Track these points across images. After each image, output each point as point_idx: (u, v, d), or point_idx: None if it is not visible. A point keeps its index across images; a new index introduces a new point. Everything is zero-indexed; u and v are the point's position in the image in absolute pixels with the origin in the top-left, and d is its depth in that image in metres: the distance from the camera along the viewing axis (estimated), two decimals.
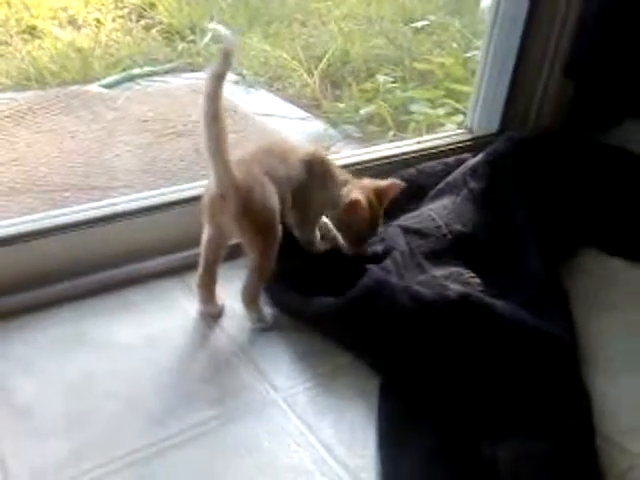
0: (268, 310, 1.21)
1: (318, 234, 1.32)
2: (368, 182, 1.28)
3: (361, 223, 1.24)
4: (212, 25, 1.09)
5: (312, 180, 1.24)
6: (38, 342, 1.12)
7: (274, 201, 1.13)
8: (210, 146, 1.05)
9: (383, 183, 1.28)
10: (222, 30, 1.05)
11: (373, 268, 1.19)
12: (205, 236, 1.16)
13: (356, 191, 1.23)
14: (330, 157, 1.34)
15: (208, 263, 1.18)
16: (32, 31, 2.65)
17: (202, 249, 1.17)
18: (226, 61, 1.02)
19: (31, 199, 1.61)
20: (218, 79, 1.02)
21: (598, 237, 1.48)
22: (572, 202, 1.49)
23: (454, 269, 1.25)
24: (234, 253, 1.33)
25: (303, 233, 1.30)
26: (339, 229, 1.30)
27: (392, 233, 1.30)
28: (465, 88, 2.12)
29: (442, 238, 1.30)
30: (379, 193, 1.26)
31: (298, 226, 1.29)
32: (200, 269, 1.18)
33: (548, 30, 1.67)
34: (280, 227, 1.15)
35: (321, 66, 2.55)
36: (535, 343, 1.09)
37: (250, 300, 1.17)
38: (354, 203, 1.21)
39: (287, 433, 1.01)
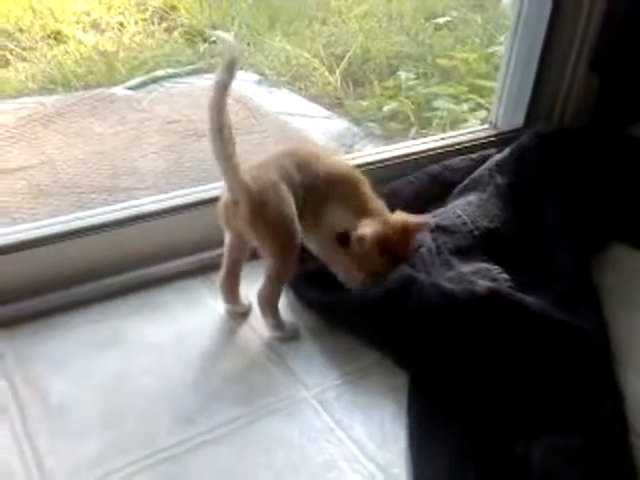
0: (290, 319, 1.19)
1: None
2: (397, 216, 1.19)
3: (369, 260, 1.14)
4: (217, 32, 1.06)
5: (332, 194, 1.17)
6: (70, 342, 1.14)
7: (290, 206, 1.11)
8: (218, 155, 1.05)
9: (412, 219, 1.19)
10: (226, 37, 1.03)
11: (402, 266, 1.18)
12: (226, 239, 1.17)
13: (373, 225, 1.13)
14: (361, 173, 1.24)
15: (230, 265, 1.18)
16: (57, 36, 2.68)
17: (225, 251, 1.18)
18: (230, 70, 1.01)
19: (59, 201, 1.64)
20: (222, 89, 1.01)
21: (627, 232, 1.46)
22: (600, 196, 1.47)
23: (482, 265, 1.23)
24: None
25: (320, 249, 1.22)
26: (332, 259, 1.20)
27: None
28: (488, 83, 2.11)
29: (469, 235, 1.29)
30: (405, 229, 1.17)
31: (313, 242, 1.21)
32: (223, 270, 1.19)
33: (574, 24, 1.65)
34: (298, 233, 1.12)
35: (343, 64, 2.55)
36: (566, 339, 1.07)
37: (266, 306, 1.15)
38: (362, 238, 1.12)
39: (317, 430, 1.01)
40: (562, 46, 1.67)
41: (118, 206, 1.33)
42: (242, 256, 1.18)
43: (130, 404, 1.03)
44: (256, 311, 1.21)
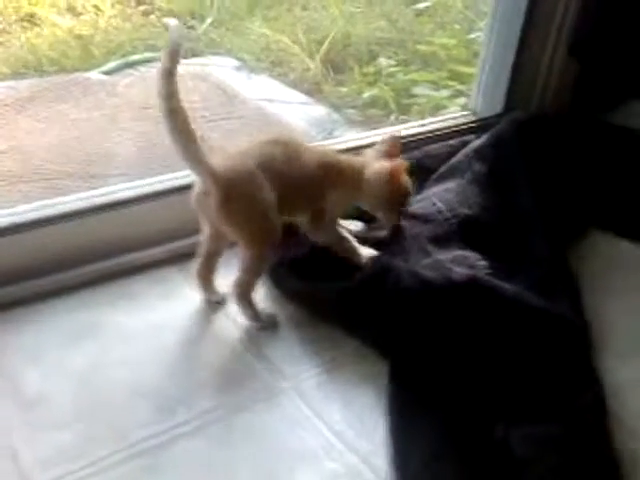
0: (267, 309, 1.17)
1: (350, 238, 1.23)
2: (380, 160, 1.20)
3: (403, 189, 1.19)
4: (165, 20, 1.03)
5: (326, 180, 1.16)
6: (43, 332, 1.11)
7: (265, 196, 1.07)
8: (176, 145, 1.02)
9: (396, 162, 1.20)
10: (171, 23, 0.99)
11: (378, 253, 1.17)
12: (203, 229, 1.15)
13: (382, 164, 1.17)
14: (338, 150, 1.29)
15: (206, 254, 1.16)
16: (31, 19, 2.61)
17: (202, 240, 1.16)
18: (173, 57, 0.98)
19: (30, 187, 1.60)
20: (168, 76, 0.99)
21: (606, 219, 1.46)
22: (579, 183, 1.47)
23: (459, 252, 1.23)
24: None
25: (319, 237, 1.21)
26: (383, 209, 1.22)
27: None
28: (468, 70, 2.09)
29: (445, 223, 1.28)
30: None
31: (310, 231, 1.20)
32: (199, 259, 1.17)
33: (552, 9, 1.64)
34: (276, 224, 1.10)
35: (322, 50, 2.52)
36: (544, 325, 1.08)
37: (241, 296, 1.13)
38: (395, 170, 1.14)
39: (296, 420, 1.00)
40: (540, 31, 1.66)
41: (91, 193, 1.31)
42: (219, 246, 1.16)
43: (106, 395, 1.02)
44: (233, 302, 1.20)
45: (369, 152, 1.25)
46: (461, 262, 1.22)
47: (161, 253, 1.30)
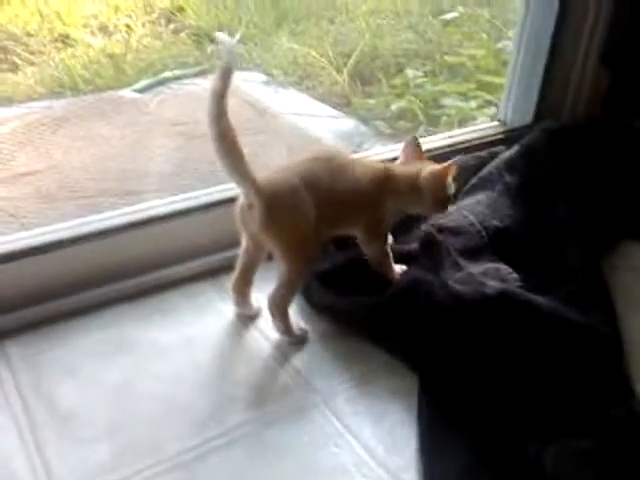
0: (299, 324, 1.18)
1: (391, 255, 1.23)
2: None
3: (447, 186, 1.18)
4: (219, 34, 1.01)
5: (381, 190, 1.16)
6: (79, 348, 1.14)
7: (307, 211, 1.07)
8: (224, 163, 1.03)
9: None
10: (226, 40, 0.99)
11: (409, 268, 1.17)
12: (243, 242, 1.16)
13: (434, 166, 1.17)
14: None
15: (243, 268, 1.17)
16: (65, 39, 2.69)
17: (240, 253, 1.17)
18: (226, 78, 0.99)
19: (67, 205, 1.64)
20: (219, 98, 0.99)
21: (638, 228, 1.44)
22: (612, 193, 1.45)
23: (491, 265, 1.22)
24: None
25: (373, 250, 1.21)
26: (434, 210, 1.22)
27: (427, 230, 1.28)
28: (497, 80, 2.09)
29: (477, 235, 1.27)
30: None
31: (365, 243, 1.21)
32: (235, 272, 1.18)
33: (582, 17, 1.63)
34: (316, 240, 1.11)
35: (350, 63, 2.54)
36: (578, 339, 1.06)
37: (276, 310, 1.14)
38: (448, 170, 1.15)
39: (327, 435, 1.00)
40: (571, 40, 1.65)
41: (126, 210, 1.33)
42: (256, 260, 1.17)
43: (140, 410, 1.03)
44: (265, 315, 1.21)
45: (399, 159, 1.24)
46: (493, 275, 1.21)
47: (195, 268, 1.32)
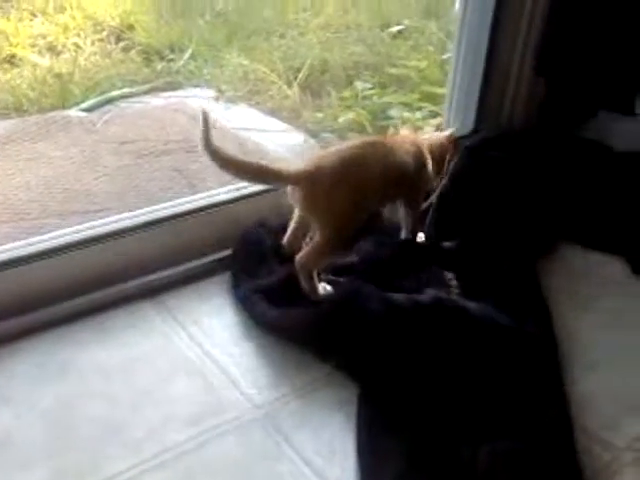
0: (327, 287, 1.22)
1: None
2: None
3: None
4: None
5: (422, 167, 1.32)
6: (16, 371, 1.12)
7: (345, 192, 1.16)
8: (249, 181, 1.25)
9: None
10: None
11: (346, 279, 1.19)
12: (295, 210, 1.25)
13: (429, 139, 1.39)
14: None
15: (295, 228, 1.26)
16: (11, 60, 2.66)
17: (293, 218, 1.26)
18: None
19: (10, 228, 1.61)
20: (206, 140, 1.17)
21: (576, 232, 1.48)
22: (549, 197, 1.48)
23: (429, 273, 1.24)
24: (214, 270, 1.35)
25: (412, 219, 1.35)
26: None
27: (365, 244, 1.29)
28: (441, 90, 2.12)
29: (417, 244, 1.29)
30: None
31: (406, 214, 1.35)
32: (288, 233, 1.27)
33: (515, 28, 1.67)
34: (355, 216, 1.20)
35: (300, 76, 2.56)
36: (510, 342, 1.09)
37: (304, 268, 1.19)
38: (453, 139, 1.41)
39: (266, 449, 1.01)
40: (505, 51, 1.69)
41: (66, 230, 1.32)
42: (305, 225, 1.24)
43: (77, 433, 1.02)
44: (207, 331, 1.21)
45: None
46: (432, 283, 1.24)
47: (136, 287, 1.31)
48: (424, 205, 1.40)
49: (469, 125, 1.77)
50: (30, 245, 1.29)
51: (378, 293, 1.13)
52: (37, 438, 1.01)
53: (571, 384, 1.11)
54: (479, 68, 1.72)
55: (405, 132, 1.42)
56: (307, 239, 1.27)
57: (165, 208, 1.43)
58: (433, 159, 1.35)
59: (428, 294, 1.14)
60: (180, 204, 1.44)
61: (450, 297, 1.14)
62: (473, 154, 1.48)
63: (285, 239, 1.28)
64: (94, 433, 1.02)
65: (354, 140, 1.32)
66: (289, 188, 1.19)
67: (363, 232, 1.32)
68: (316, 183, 1.16)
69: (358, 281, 1.20)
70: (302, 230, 1.26)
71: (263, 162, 1.20)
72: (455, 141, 1.44)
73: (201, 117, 1.15)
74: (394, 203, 1.36)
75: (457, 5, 2.60)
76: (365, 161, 1.20)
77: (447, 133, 1.43)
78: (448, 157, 1.40)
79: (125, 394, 1.09)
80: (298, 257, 1.20)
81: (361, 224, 1.24)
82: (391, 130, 1.45)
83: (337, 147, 1.25)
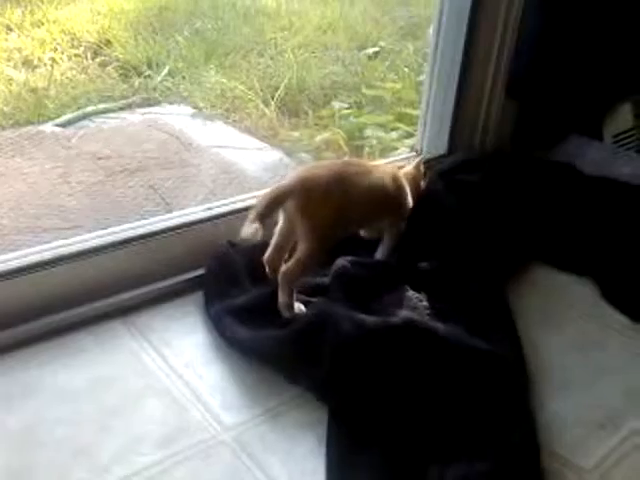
0: (302, 307, 1.23)
1: None
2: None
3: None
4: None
5: (401, 192, 1.37)
6: None
7: (335, 205, 1.20)
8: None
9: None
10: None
11: (318, 300, 1.19)
12: (279, 223, 1.25)
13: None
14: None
15: (277, 246, 1.25)
16: None
17: (275, 233, 1.26)
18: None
19: None
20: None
21: (546, 252, 1.50)
22: (519, 219, 1.50)
23: (401, 294, 1.25)
24: (186, 289, 1.34)
25: (391, 236, 1.38)
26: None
27: (339, 264, 1.30)
28: (416, 112, 2.15)
29: (387, 266, 1.30)
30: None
31: (388, 230, 1.38)
32: (270, 250, 1.26)
33: (487, 51, 1.70)
34: (337, 231, 1.23)
35: (277, 95, 2.57)
36: (479, 365, 1.09)
37: (285, 281, 1.20)
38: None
39: (236, 471, 1.00)
40: (477, 74, 1.72)
41: (34, 249, 1.31)
42: (288, 241, 1.25)
43: (42, 456, 1.00)
44: (174, 351, 1.20)
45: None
46: (404, 304, 1.24)
47: (105, 306, 1.29)
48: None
49: (442, 147, 1.80)
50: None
51: (349, 314, 1.13)
52: (0, 461, 0.99)
53: (539, 406, 1.12)
54: (452, 91, 1.74)
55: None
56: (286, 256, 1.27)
57: (138, 226, 1.42)
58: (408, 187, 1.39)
59: (399, 315, 1.14)
60: (153, 222, 1.43)
61: (421, 318, 1.15)
62: (443, 177, 1.50)
63: (266, 256, 1.27)
64: (60, 456, 1.00)
65: (339, 160, 1.42)
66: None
67: (337, 251, 1.33)
68: (312, 190, 1.19)
69: (329, 302, 1.20)
70: (285, 246, 1.26)
71: (262, 197, 1.20)
72: (424, 168, 1.47)
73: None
74: (376, 225, 1.38)
75: (431, 28, 2.65)
76: (354, 176, 1.26)
77: (415, 162, 1.47)
78: (420, 184, 1.44)
79: (92, 415, 1.07)
80: (283, 269, 1.21)
81: (341, 239, 1.28)
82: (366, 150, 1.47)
83: (324, 162, 1.31)
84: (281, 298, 1.21)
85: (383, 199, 1.32)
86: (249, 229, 1.13)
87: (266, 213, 1.16)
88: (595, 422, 1.11)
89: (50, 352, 1.19)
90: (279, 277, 1.21)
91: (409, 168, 1.45)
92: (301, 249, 1.20)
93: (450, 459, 0.96)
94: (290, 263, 1.21)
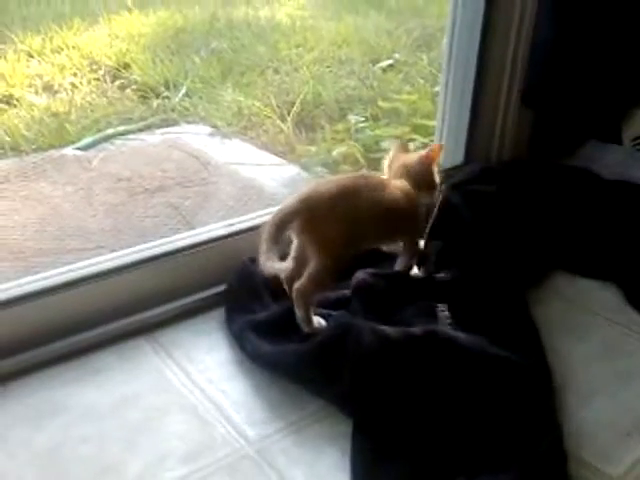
0: (322, 321, 1.23)
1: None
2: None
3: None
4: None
5: (415, 207, 1.31)
6: (10, 413, 1.11)
7: (341, 220, 1.19)
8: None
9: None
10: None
11: (339, 313, 1.20)
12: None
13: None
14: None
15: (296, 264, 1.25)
16: (9, 100, 2.70)
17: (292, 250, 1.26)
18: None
19: (5, 267, 1.62)
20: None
21: (568, 259, 1.49)
22: (538, 226, 1.50)
23: (422, 305, 1.25)
24: (209, 305, 1.36)
25: (408, 248, 1.36)
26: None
27: (359, 277, 1.30)
28: (432, 123, 2.16)
29: (407, 277, 1.30)
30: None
31: (404, 252, 1.36)
32: (290, 266, 1.24)
33: (501, 60, 1.71)
34: (349, 247, 1.22)
35: (294, 111, 2.60)
36: (503, 373, 1.09)
37: (299, 300, 1.21)
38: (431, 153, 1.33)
39: None
40: (492, 83, 1.73)
41: (58, 270, 1.33)
42: (303, 260, 1.24)
43: (69, 473, 1.02)
44: (199, 366, 1.21)
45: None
46: (425, 313, 1.24)
47: (130, 325, 1.31)
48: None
49: (459, 157, 1.80)
50: (23, 285, 1.30)
51: (370, 326, 1.14)
52: (28, 479, 1.01)
53: (566, 414, 1.11)
54: (467, 101, 1.75)
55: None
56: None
57: (160, 245, 1.44)
58: (416, 177, 1.33)
59: (420, 326, 1.14)
60: (174, 240, 1.45)
61: (442, 329, 1.14)
62: (459, 188, 1.50)
63: (285, 277, 1.27)
64: (86, 474, 1.01)
65: (349, 174, 1.38)
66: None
67: (357, 264, 1.33)
68: (314, 208, 1.19)
69: (350, 315, 1.20)
70: (301, 264, 1.25)
71: (267, 223, 1.19)
72: (436, 152, 1.36)
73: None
74: (393, 241, 1.37)
75: (445, 39, 2.66)
76: (364, 190, 1.24)
77: (424, 152, 1.36)
78: (434, 170, 1.36)
79: (118, 433, 1.08)
80: (296, 285, 1.21)
81: (355, 253, 1.27)
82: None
83: (335, 177, 1.29)
84: (298, 313, 1.21)
85: (396, 215, 1.28)
86: (271, 264, 1.14)
87: (275, 239, 1.16)
88: (623, 429, 1.10)
89: (76, 371, 1.21)
90: (293, 294, 1.22)
91: (413, 159, 1.35)
92: (311, 265, 1.20)
93: (476, 470, 0.96)
94: (302, 279, 1.21)
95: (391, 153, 1.39)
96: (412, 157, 1.36)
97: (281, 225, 1.18)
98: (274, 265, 1.14)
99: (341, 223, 1.19)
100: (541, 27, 1.68)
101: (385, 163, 1.39)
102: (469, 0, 1.68)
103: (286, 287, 1.27)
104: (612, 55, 1.72)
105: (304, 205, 1.19)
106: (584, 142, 1.80)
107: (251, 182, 2.13)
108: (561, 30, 1.71)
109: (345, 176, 1.30)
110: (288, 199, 1.22)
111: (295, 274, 1.25)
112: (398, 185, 1.31)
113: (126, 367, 1.22)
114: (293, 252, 1.25)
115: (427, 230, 1.39)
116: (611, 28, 1.69)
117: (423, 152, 1.36)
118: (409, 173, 1.33)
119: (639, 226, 1.50)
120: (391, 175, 1.36)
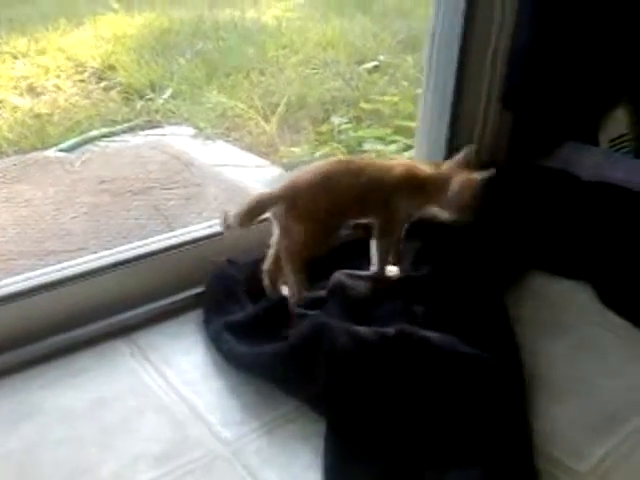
0: (285, 291, 1.31)
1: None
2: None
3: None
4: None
5: (394, 193, 1.31)
6: None
7: (321, 204, 1.25)
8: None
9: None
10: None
11: (314, 313, 1.20)
12: (274, 233, 1.30)
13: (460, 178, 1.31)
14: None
15: (275, 257, 1.31)
16: None
17: (271, 244, 1.31)
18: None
19: None
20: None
21: (544, 259, 1.50)
22: (517, 226, 1.51)
23: (397, 305, 1.26)
24: (188, 307, 1.36)
25: (380, 245, 1.35)
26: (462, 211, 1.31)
27: (336, 278, 1.31)
28: (414, 124, 2.17)
29: (383, 277, 1.31)
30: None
31: (377, 237, 1.36)
32: (267, 262, 1.32)
33: (481, 62, 1.72)
34: (330, 227, 1.29)
35: (278, 112, 2.60)
36: (471, 371, 1.10)
37: (286, 257, 1.27)
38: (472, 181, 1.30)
39: None
40: (472, 85, 1.73)
41: (36, 272, 1.33)
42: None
43: (42, 477, 1.02)
44: (174, 368, 1.22)
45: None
46: (399, 314, 1.25)
47: (107, 326, 1.31)
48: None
49: (439, 158, 1.81)
50: (2, 287, 1.30)
51: (345, 327, 1.14)
52: None
53: (540, 411, 1.12)
54: (447, 102, 1.76)
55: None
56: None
57: (138, 246, 1.44)
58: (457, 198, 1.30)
59: (393, 326, 1.15)
60: (152, 242, 1.45)
61: (415, 328, 1.15)
62: None
63: (265, 267, 1.32)
64: (60, 476, 1.02)
65: (332, 159, 1.43)
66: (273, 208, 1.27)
67: (334, 263, 1.35)
68: (297, 194, 1.26)
69: (325, 315, 1.21)
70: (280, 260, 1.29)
71: (251, 198, 1.29)
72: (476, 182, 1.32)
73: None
74: (368, 218, 1.36)
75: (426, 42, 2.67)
76: (337, 174, 1.29)
77: (474, 177, 1.32)
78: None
79: (93, 435, 1.09)
80: (285, 244, 1.27)
81: (339, 225, 1.32)
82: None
83: (315, 165, 1.33)
84: (290, 279, 1.27)
85: (371, 194, 1.30)
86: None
87: (249, 218, 1.26)
88: (593, 426, 1.11)
89: (53, 373, 1.21)
90: (281, 255, 1.27)
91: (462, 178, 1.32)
92: (297, 230, 1.25)
93: (446, 466, 0.97)
94: (289, 243, 1.26)
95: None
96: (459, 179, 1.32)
97: (262, 204, 1.26)
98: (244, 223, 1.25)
99: (322, 204, 1.25)
100: (521, 31, 1.69)
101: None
102: (450, 3, 1.69)
103: (265, 281, 1.29)
104: (590, 58, 1.73)
105: (289, 191, 1.26)
106: (562, 143, 1.81)
107: (235, 183, 2.13)
108: (540, 34, 1.72)
109: (326, 161, 1.36)
110: (274, 190, 1.29)
111: (274, 267, 1.30)
112: (382, 167, 1.33)
113: (103, 369, 1.22)
114: (274, 245, 1.29)
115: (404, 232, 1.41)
116: (589, 32, 1.71)
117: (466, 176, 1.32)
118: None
119: (614, 227, 1.51)
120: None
